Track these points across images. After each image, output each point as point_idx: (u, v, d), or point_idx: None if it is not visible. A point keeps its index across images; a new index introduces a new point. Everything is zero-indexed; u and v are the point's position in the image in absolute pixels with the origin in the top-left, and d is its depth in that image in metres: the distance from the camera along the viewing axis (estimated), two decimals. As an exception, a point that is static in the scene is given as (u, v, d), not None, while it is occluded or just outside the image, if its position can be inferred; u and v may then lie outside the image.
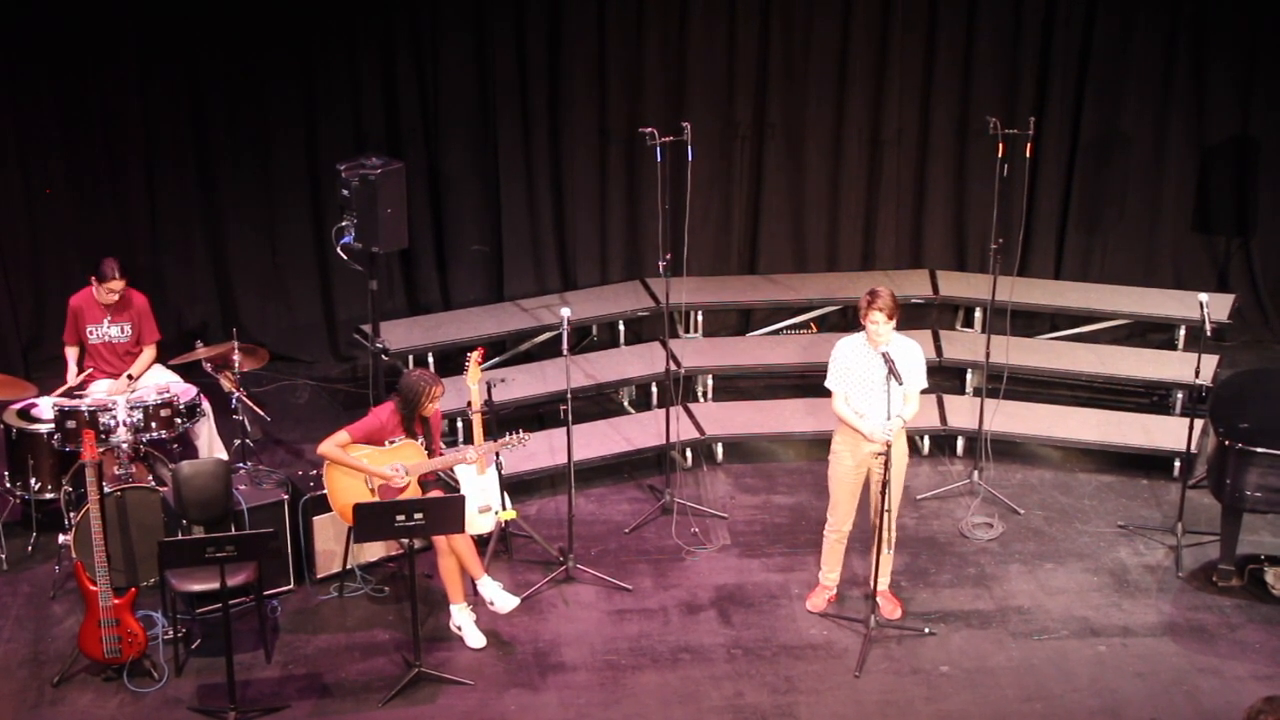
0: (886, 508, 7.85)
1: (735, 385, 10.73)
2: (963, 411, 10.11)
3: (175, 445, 9.06)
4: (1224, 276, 11.51)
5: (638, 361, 10.45)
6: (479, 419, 8.49)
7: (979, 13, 10.88)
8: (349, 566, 8.69)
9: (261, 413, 9.08)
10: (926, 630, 8.29)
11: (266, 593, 8.36)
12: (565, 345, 8.42)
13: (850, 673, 7.93)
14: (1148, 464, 9.82)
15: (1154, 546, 9.06)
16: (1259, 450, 8.17)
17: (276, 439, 9.93)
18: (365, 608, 8.48)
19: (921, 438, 10.05)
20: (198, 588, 7.90)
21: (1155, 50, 11.02)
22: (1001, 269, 9.49)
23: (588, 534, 9.10)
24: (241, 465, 8.92)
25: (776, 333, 11.17)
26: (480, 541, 8.62)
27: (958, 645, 8.16)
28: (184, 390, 9.09)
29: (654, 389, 10.38)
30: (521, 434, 8.37)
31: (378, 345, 9.50)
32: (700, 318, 10.98)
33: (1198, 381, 8.97)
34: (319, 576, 8.69)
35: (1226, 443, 8.24)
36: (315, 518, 8.62)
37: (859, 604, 8.43)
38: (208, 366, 9.04)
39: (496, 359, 10.66)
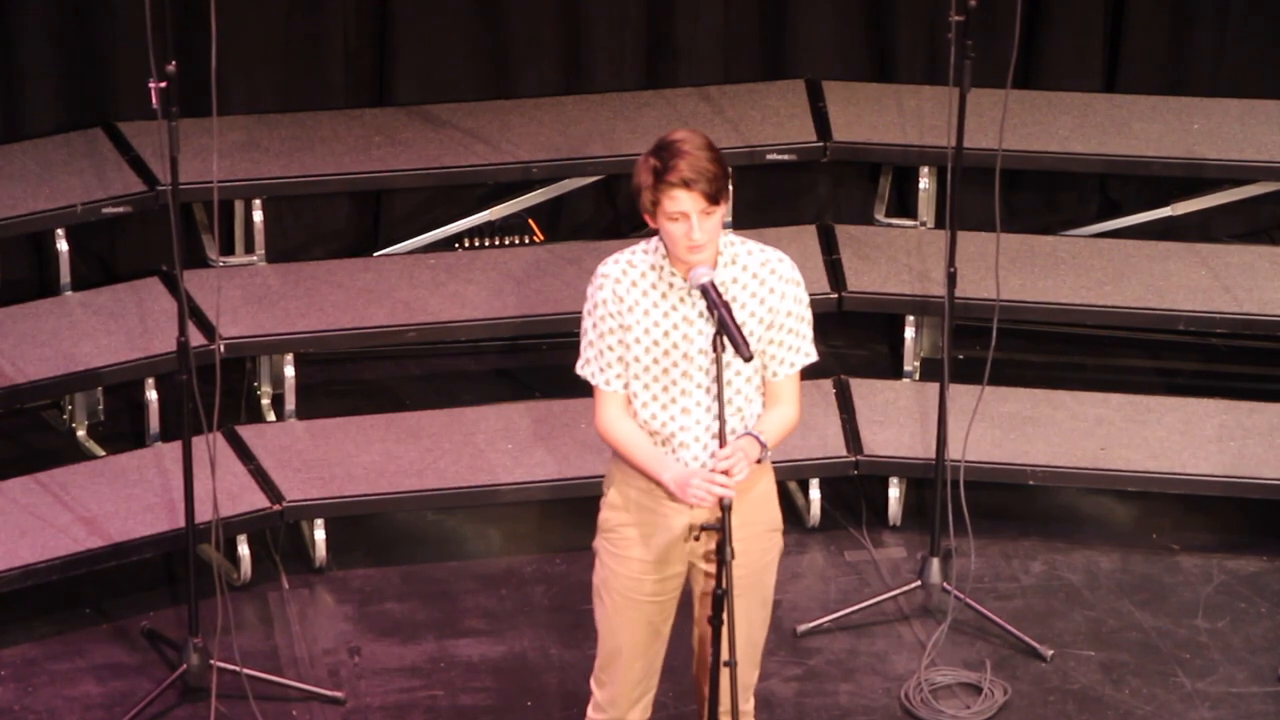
0: (726, 660, 5.03)
1: (351, 379, 8.10)
2: (899, 418, 7.58)
3: None
4: None
5: (107, 329, 7.76)
6: None
7: None
8: None
9: None
10: None
11: None
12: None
13: None
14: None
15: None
16: None
17: None
18: None
19: (805, 488, 7.23)
20: None
21: None
22: (975, 73, 6.45)
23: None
24: None
25: (448, 246, 8.32)
26: None
27: None
28: None
29: (152, 394, 7.57)
30: None
31: None
32: (260, 216, 7.86)
33: None
34: None
35: None
36: None
37: None
38: None
39: None
